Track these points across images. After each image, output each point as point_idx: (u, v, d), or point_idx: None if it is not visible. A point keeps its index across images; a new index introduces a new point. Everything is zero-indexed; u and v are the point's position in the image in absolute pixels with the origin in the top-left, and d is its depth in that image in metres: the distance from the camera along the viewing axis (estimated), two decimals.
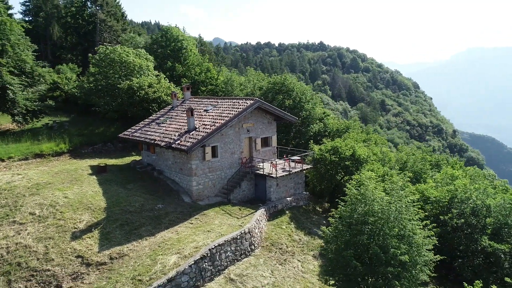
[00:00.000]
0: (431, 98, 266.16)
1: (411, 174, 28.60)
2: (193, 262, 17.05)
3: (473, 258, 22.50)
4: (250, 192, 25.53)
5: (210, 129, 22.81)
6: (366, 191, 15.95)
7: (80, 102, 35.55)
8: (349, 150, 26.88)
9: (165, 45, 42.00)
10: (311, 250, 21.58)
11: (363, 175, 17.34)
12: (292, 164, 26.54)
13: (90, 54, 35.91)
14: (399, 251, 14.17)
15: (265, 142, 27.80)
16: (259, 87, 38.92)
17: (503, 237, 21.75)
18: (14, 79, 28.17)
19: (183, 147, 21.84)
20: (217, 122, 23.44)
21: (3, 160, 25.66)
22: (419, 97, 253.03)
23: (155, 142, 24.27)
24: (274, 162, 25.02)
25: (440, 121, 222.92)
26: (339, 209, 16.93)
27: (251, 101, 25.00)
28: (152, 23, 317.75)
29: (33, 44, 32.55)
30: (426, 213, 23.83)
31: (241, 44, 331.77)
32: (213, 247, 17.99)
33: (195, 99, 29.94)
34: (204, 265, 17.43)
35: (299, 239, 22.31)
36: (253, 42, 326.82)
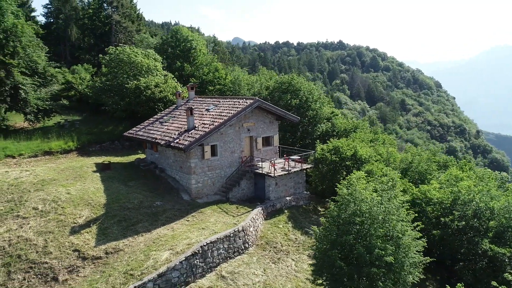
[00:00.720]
0: (454, 98, 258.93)
1: (416, 174, 28.26)
2: (184, 259, 17.38)
3: (474, 262, 22.01)
4: (249, 191, 25.71)
5: (208, 128, 23.13)
6: (354, 191, 15.87)
7: (91, 101, 36.66)
8: (350, 150, 26.68)
9: (175, 46, 42.70)
10: (307, 250, 21.57)
11: (353, 175, 17.24)
12: (292, 163, 26.56)
13: (100, 55, 36.93)
14: (383, 252, 14.05)
15: (267, 141, 27.92)
16: (266, 87, 39.03)
17: (506, 240, 21.14)
18: (26, 79, 29.35)
19: (180, 146, 22.26)
20: (216, 122, 23.74)
21: (14, 157, 26.79)
22: (441, 97, 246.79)
23: (156, 140, 24.81)
24: (273, 161, 25.08)
25: (463, 121, 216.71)
26: (329, 208, 16.91)
27: (251, 101, 25.16)
28: (172, 24, 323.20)
29: (45, 46, 33.74)
30: (416, 214, 23.47)
31: (260, 43, 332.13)
32: (205, 244, 18.27)
33: (199, 99, 30.37)
34: (195, 262, 17.74)
35: (295, 238, 22.34)
36: (272, 42, 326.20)
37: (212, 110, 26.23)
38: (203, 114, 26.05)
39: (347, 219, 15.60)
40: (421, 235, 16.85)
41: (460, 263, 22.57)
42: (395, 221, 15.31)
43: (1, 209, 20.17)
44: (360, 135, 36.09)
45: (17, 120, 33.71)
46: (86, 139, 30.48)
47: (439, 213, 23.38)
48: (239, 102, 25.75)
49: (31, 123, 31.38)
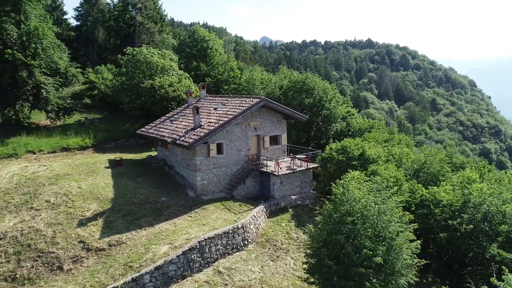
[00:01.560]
0: (490, 97, 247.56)
1: (427, 176, 27.52)
2: (181, 253, 17.90)
3: (483, 267, 21.23)
4: (255, 189, 25.94)
5: (213, 126, 23.57)
6: (347, 191, 15.79)
7: (110, 100, 38.11)
8: (358, 150, 26.34)
9: (192, 46, 43.56)
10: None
11: (348, 175, 17.11)
12: (299, 162, 26.56)
13: (119, 55, 38.32)
14: (371, 252, 13.92)
15: (274, 140, 28.05)
16: (280, 86, 39.09)
17: None
18: (48, 79, 30.95)
19: (185, 143, 22.82)
20: (221, 120, 24.15)
21: (34, 153, 28.37)
22: (476, 96, 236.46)
23: (164, 138, 25.54)
24: (277, 160, 25.20)
25: (498, 121, 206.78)
26: (324, 208, 16.91)
27: (257, 100, 25.38)
28: (201, 24, 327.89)
29: (67, 48, 35.38)
30: (413, 216, 22.92)
31: (286, 42, 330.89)
32: (202, 239, 18.71)
33: (210, 98, 30.91)
34: (192, 256, 18.21)
35: (297, 237, 22.38)
36: (299, 41, 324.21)
37: (219, 109, 26.67)
38: (210, 113, 26.55)
39: (339, 218, 15.57)
40: (415, 237, 16.53)
41: (468, 268, 21.87)
42: (388, 222, 15.11)
43: (17, 201, 21.48)
44: (374, 135, 35.51)
45: (41, 118, 35.58)
46: (102, 136, 31.79)
47: (448, 216, 22.71)
48: (245, 101, 26.04)
49: (52, 120, 33.08)
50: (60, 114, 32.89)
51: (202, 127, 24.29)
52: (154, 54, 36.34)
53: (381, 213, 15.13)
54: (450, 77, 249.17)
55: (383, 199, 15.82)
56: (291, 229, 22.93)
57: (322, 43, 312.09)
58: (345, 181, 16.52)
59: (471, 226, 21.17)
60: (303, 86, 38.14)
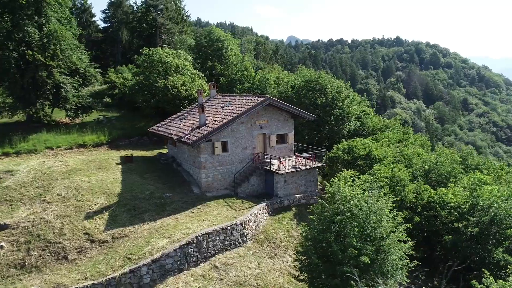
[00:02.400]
0: None
1: (437, 177, 26.82)
2: (178, 247, 18.47)
3: (489, 272, 20.52)
4: (259, 187, 26.20)
5: (217, 125, 24.02)
6: (337, 190, 15.79)
7: (126, 99, 39.45)
8: (364, 150, 26.05)
9: (207, 46, 44.30)
10: None
11: (342, 174, 17.07)
12: (305, 161, 26.57)
13: (136, 55, 39.53)
14: (356, 251, 13.88)
15: (281, 139, 28.18)
16: (292, 85, 39.11)
17: None
18: (67, 79, 32.48)
19: (188, 141, 23.41)
20: (225, 119, 24.56)
21: (52, 149, 29.88)
22: None
23: (171, 136, 26.26)
24: (281, 158, 25.33)
25: None
26: (315, 206, 16.98)
27: (262, 99, 25.62)
28: (227, 24, 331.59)
29: (83, 47, 36.89)
30: (404, 216, 22.37)
31: (313, 41, 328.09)
32: (200, 235, 19.20)
33: (219, 97, 31.43)
34: (189, 251, 18.73)
35: (297, 235, 22.42)
36: (325, 40, 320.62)
37: (226, 107, 27.10)
38: (217, 112, 27.03)
39: (329, 217, 15.59)
40: (409, 238, 16.29)
41: (474, 272, 21.19)
42: (377, 222, 14.99)
43: (32, 194, 22.76)
44: (387, 135, 34.92)
45: (62, 116, 37.32)
46: (117, 134, 33.02)
47: (454, 218, 22.10)
48: (251, 100, 26.33)
49: (71, 118, 34.68)
50: (79, 113, 34.44)
51: (207, 125, 24.81)
52: (169, 54, 37.29)
53: (371, 212, 15.03)
54: (484, 76, 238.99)
55: (375, 198, 15.68)
56: (292, 227, 23.04)
57: (349, 41, 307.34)
58: (337, 180, 16.49)
59: (477, 229, 20.54)
60: (316, 85, 38.01)
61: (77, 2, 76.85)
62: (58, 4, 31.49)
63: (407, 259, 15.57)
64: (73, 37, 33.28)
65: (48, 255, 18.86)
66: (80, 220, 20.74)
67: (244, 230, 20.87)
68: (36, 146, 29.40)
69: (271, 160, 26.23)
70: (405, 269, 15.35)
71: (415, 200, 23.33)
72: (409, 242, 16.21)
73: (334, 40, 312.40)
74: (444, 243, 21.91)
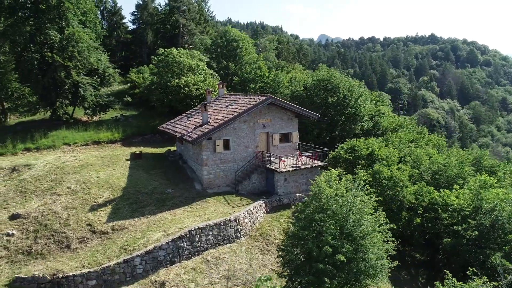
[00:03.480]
0: None
1: (444, 178, 26.10)
2: (170, 240, 19.21)
3: (488, 277, 19.83)
4: (261, 185, 26.56)
5: (218, 123, 24.62)
6: (319, 188, 15.92)
7: (143, 98, 40.95)
8: (367, 149, 25.77)
9: (223, 46, 45.09)
10: None
11: (327, 173, 17.13)
12: (307, 160, 26.64)
13: (152, 56, 40.94)
14: (330, 249, 13.99)
15: (285, 138, 28.37)
16: (304, 84, 39.10)
17: None
18: (86, 79, 34.26)
19: (189, 139, 24.16)
20: (227, 117, 25.11)
21: (69, 145, 31.68)
22: None
23: (175, 133, 27.15)
24: (282, 157, 25.56)
25: None
26: (299, 204, 17.18)
27: (263, 98, 25.95)
28: (257, 23, 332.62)
29: (102, 47, 38.62)
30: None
31: (343, 40, 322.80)
32: (193, 229, 19.85)
33: (227, 95, 32.03)
34: (182, 244, 19.43)
35: None
36: (356, 38, 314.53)
37: (230, 106, 27.65)
38: (221, 110, 27.64)
39: (310, 214, 15.76)
40: (393, 239, 16.15)
41: (473, 277, 20.53)
42: (357, 221, 15.00)
43: (45, 186, 24.34)
44: (400, 135, 34.24)
45: (82, 114, 39.33)
46: (131, 131, 34.45)
47: (455, 221, 21.55)
48: (253, 99, 26.72)
49: (89, 116, 36.53)
50: (97, 111, 36.22)
51: (209, 123, 25.46)
52: (183, 55, 38.37)
53: (350, 211, 15.05)
54: None
55: (357, 198, 15.66)
56: (288, 225, 23.21)
57: (381, 39, 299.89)
58: (320, 179, 16.59)
59: (476, 232, 19.95)
60: (328, 84, 37.83)
61: (107, 5, 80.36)
62: (78, 8, 33.18)
63: (388, 259, 15.44)
64: (92, 39, 35.02)
65: (52, 244, 20.17)
66: (85, 212, 21.98)
67: (238, 226, 21.33)
68: (55, 142, 31.27)
69: (273, 158, 26.50)
70: (384, 269, 15.22)
71: (416, 202, 22.90)
72: (392, 243, 16.08)
73: (365, 38, 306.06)
74: (442, 246, 21.42)
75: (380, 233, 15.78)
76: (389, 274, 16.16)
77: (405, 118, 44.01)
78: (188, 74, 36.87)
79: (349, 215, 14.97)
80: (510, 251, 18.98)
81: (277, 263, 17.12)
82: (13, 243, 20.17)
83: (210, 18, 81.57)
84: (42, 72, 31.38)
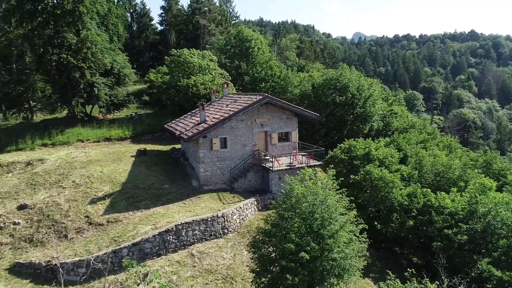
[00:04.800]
0: None
1: (445, 180, 25.32)
2: (157, 233, 20.06)
3: (476, 284, 19.14)
4: (257, 183, 26.93)
5: (213, 121, 25.27)
6: (291, 188, 16.14)
7: (155, 97, 42.40)
8: (363, 150, 25.46)
9: (235, 45, 45.75)
10: None
11: (302, 172, 17.28)
12: (304, 159, 26.71)
13: (166, 57, 42.31)
14: (293, 247, 14.18)
15: (284, 137, 28.56)
16: (312, 84, 38.98)
17: None
18: (101, 79, 36.07)
19: (184, 137, 24.96)
20: (223, 116, 25.69)
21: (82, 141, 33.53)
22: None
23: (176, 132, 28.07)
24: (280, 156, 25.81)
25: None
26: (273, 202, 17.46)
27: (260, 97, 26.30)
28: (289, 22, 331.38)
29: (117, 50, 40.40)
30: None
31: (377, 38, 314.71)
32: (179, 223, 20.60)
33: (230, 95, 32.61)
34: (168, 238, 20.23)
35: None
36: (391, 35, 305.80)
37: (230, 105, 28.22)
38: (220, 109, 28.27)
39: (281, 212, 16.01)
40: (365, 239, 16.06)
41: (462, 281, 19.87)
42: (325, 220, 15.08)
43: (53, 180, 26.03)
44: (408, 135, 33.41)
45: (98, 113, 41.36)
46: (141, 129, 35.89)
47: (448, 224, 20.98)
48: (251, 98, 27.13)
49: (103, 115, 38.40)
50: (111, 109, 38.02)
51: (206, 122, 26.16)
52: (194, 55, 39.40)
53: (317, 210, 15.16)
54: None
55: (328, 198, 15.72)
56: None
57: (417, 37, 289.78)
58: (293, 178, 16.77)
59: (466, 237, 19.35)
60: (337, 83, 37.52)
61: (137, 8, 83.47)
62: (93, 12, 34.98)
63: (357, 260, 15.39)
64: (107, 41, 36.79)
65: (52, 233, 21.63)
66: (85, 205, 23.34)
67: (226, 223, 21.85)
68: (70, 138, 33.23)
69: (270, 157, 26.78)
70: (352, 269, 15.17)
71: (409, 204, 22.45)
72: (364, 244, 16.02)
73: (400, 36, 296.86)
74: (433, 249, 20.91)
75: (352, 233, 15.75)
76: (361, 274, 16.08)
77: (422, 119, 42.68)
78: (198, 74, 37.82)
79: (317, 214, 15.06)
80: (500, 257, 18.22)
81: (250, 258, 17.48)
82: (18, 231, 21.83)
83: (234, 18, 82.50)
84: (59, 73, 33.40)
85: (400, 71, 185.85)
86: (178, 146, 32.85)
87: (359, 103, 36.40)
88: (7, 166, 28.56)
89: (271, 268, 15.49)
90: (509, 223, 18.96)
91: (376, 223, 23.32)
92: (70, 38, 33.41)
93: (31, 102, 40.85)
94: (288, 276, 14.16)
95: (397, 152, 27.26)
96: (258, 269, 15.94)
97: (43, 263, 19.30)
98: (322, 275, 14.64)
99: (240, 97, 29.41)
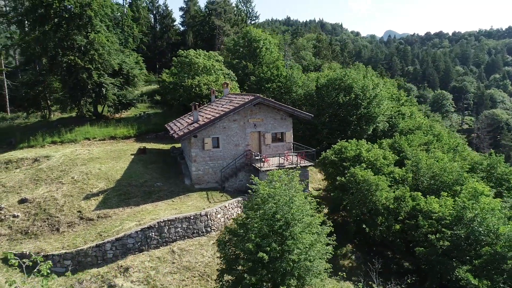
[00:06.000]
0: None
1: (439, 184, 24.51)
2: (140, 230, 20.71)
3: None
4: (248, 182, 26.89)
5: (204, 121, 25.70)
6: (257, 189, 16.28)
7: (161, 97, 43.43)
8: (353, 151, 25.07)
9: (243, 46, 46.07)
10: None
11: (270, 173, 17.33)
12: (296, 160, 26.64)
13: (174, 57, 43.29)
14: (251, 247, 14.31)
15: (278, 137, 28.57)
16: (317, 84, 38.63)
17: (496, 272, 17.24)
18: (109, 79, 37.43)
19: (175, 136, 25.54)
20: (214, 116, 26.08)
21: (89, 139, 34.95)
22: None
23: (170, 130, 28.72)
24: (265, 156, 25.88)
25: None
26: (243, 202, 17.61)
27: (251, 98, 26.47)
28: (316, 21, 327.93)
29: (126, 52, 41.72)
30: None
31: (407, 36, 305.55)
32: (162, 221, 21.17)
33: (229, 95, 32.94)
34: (150, 234, 20.84)
35: None
36: (422, 33, 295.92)
37: (224, 105, 28.56)
38: (215, 109, 28.67)
39: (247, 211, 16.18)
40: (327, 241, 15.93)
41: None
42: (288, 221, 15.10)
43: (54, 176, 27.34)
44: (411, 137, 32.50)
45: (106, 112, 42.86)
46: (146, 128, 36.95)
47: (433, 230, 20.38)
48: (244, 98, 27.35)
49: (111, 114, 39.81)
50: (119, 109, 39.38)
51: (198, 122, 26.63)
52: (200, 56, 40.07)
53: (279, 212, 15.20)
54: None
55: (292, 198, 15.72)
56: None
57: (450, 34, 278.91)
58: (256, 179, 16.91)
59: (447, 243, 18.73)
60: (341, 83, 37.02)
61: (160, 9, 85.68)
62: (101, 15, 36.33)
63: (320, 262, 15.29)
64: (116, 43, 38.16)
65: (46, 226, 22.79)
66: (79, 200, 24.39)
67: (209, 221, 22.22)
68: (77, 137, 34.72)
69: (260, 157, 26.89)
70: (312, 271, 15.08)
71: (393, 207, 21.96)
72: (331, 246, 15.90)
73: (431, 33, 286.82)
74: (417, 255, 20.38)
75: (317, 234, 15.68)
76: (327, 277, 15.96)
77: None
78: (202, 75, 38.45)
79: (278, 215, 15.09)
80: (481, 265, 17.49)
81: (218, 257, 17.72)
82: (16, 223, 23.13)
83: (254, 18, 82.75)
84: (69, 74, 34.98)
85: (429, 70, 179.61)
86: (178, 145, 33.56)
87: (363, 103, 35.74)
88: (16, 162, 30.27)
89: (236, 267, 15.66)
90: (495, 230, 18.16)
91: (364, 225, 22.97)
92: (80, 40, 34.86)
93: (48, 101, 43.00)
94: (245, 275, 14.31)
95: (392, 154, 26.64)
96: (223, 268, 16.17)
97: (33, 254, 20.37)
98: (283, 276, 14.66)
99: (236, 98, 29.69)
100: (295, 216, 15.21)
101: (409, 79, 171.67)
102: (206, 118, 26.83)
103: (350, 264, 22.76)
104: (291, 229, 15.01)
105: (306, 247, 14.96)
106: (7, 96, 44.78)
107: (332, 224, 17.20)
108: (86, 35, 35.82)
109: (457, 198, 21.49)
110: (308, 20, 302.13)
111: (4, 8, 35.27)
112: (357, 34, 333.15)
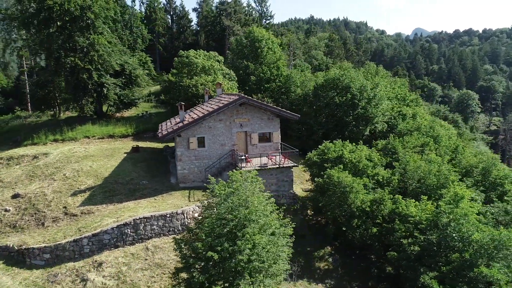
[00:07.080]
0: None
1: (424, 187, 23.78)
2: (115, 226, 21.27)
3: None
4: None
5: (187, 121, 26.04)
6: (216, 188, 16.42)
7: (165, 97, 44.23)
8: (335, 152, 24.69)
9: (246, 46, 46.11)
10: None
11: (231, 173, 17.40)
12: (282, 160, 26.52)
13: (175, 57, 43.98)
14: (201, 246, 14.45)
15: (265, 137, 28.52)
16: (315, 84, 38.21)
17: (462, 280, 16.60)
18: (111, 79, 38.51)
19: (159, 135, 26.00)
20: (197, 116, 26.36)
21: (88, 138, 36.09)
22: None
23: (160, 130, 29.23)
24: (247, 156, 25.91)
25: None
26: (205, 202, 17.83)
27: (235, 98, 26.57)
28: (340, 20, 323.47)
29: (129, 52, 42.72)
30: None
31: (434, 34, 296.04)
32: (137, 218, 21.65)
33: (222, 95, 33.13)
34: (126, 231, 21.36)
35: None
36: (451, 31, 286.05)
37: (212, 105, 28.80)
38: (202, 109, 28.95)
39: (207, 210, 16.36)
40: (284, 243, 15.82)
41: None
42: (239, 221, 15.14)
43: (49, 172, 28.44)
44: (407, 138, 31.62)
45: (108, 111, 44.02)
46: (144, 127, 37.76)
47: (406, 234, 19.85)
48: (230, 98, 27.48)
49: (112, 113, 40.93)
50: (120, 108, 40.45)
51: (183, 122, 27.00)
52: (199, 56, 40.52)
53: (233, 212, 15.26)
54: None
55: (247, 199, 15.72)
56: None
57: (480, 31, 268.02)
58: (213, 179, 17.05)
59: (418, 248, 18.20)
60: (338, 83, 36.49)
61: (177, 10, 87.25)
62: (102, 17, 37.39)
63: (278, 264, 15.24)
64: (118, 43, 39.22)
65: (33, 221, 23.77)
66: (67, 196, 25.27)
67: (186, 219, 22.51)
68: (78, 135, 35.95)
69: (244, 157, 26.94)
70: (262, 272, 15.02)
71: (370, 210, 21.51)
72: (288, 249, 15.81)
73: (461, 31, 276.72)
74: (389, 259, 19.90)
75: (274, 236, 15.63)
76: (283, 279, 15.87)
77: (446, 122, 39.83)
78: (200, 75, 38.88)
79: (231, 215, 15.15)
80: (449, 272, 16.86)
81: (176, 256, 17.95)
82: (6, 217, 24.25)
83: (269, 17, 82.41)
84: (71, 75, 36.27)
85: (455, 68, 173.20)
86: (172, 144, 34.10)
87: (360, 103, 35.08)
88: (17, 159, 31.71)
89: (192, 265, 15.83)
90: (467, 236, 17.46)
91: (344, 228, 22.62)
92: (82, 42, 36.05)
93: (58, 101, 44.75)
94: (195, 274, 14.47)
95: (378, 155, 26.05)
96: (179, 267, 16.39)
97: (16, 247, 21.37)
98: (234, 275, 14.71)
99: (225, 98, 29.87)
100: (249, 217, 15.20)
101: (433, 78, 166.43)
102: (191, 118, 27.15)
103: (326, 267, 22.44)
104: (244, 229, 15.02)
105: (258, 248, 14.92)
106: (28, 96, 47.05)
107: (293, 226, 17.08)
108: (87, 37, 36.96)
109: (439, 202, 20.80)
110: (331, 19, 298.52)
111: (14, 11, 36.86)
112: (382, 32, 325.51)
